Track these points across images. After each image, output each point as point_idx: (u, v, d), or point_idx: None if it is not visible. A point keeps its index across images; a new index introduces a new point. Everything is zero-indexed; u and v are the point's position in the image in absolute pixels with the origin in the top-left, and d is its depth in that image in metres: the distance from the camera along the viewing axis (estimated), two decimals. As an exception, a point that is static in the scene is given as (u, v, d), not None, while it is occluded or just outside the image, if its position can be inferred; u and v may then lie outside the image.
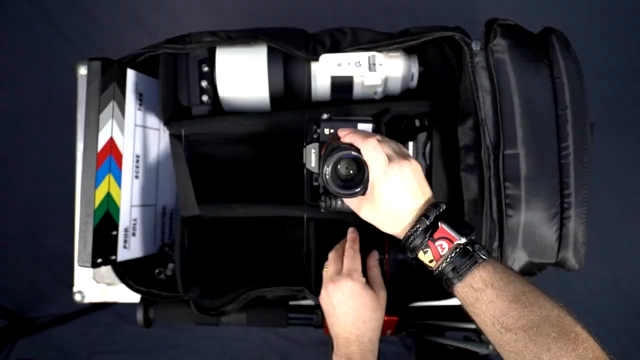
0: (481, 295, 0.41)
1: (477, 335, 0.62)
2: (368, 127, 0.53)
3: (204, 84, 0.59)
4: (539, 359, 0.36)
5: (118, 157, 0.58)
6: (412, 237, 0.45)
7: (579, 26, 1.33)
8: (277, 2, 1.38)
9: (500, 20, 0.55)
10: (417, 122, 0.59)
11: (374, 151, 0.46)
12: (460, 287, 0.42)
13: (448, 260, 0.43)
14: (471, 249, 0.42)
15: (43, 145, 1.36)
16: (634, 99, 1.36)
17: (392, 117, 0.59)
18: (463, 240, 0.43)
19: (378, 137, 0.48)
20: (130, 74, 0.59)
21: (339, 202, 0.55)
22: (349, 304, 0.52)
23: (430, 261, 0.44)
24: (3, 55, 1.39)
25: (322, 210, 0.56)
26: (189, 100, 0.59)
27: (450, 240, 0.43)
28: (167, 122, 0.60)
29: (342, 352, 0.51)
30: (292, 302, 0.64)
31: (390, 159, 0.46)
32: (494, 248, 0.53)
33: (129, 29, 1.37)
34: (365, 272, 0.55)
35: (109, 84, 0.56)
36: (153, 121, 0.64)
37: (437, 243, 0.43)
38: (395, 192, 0.45)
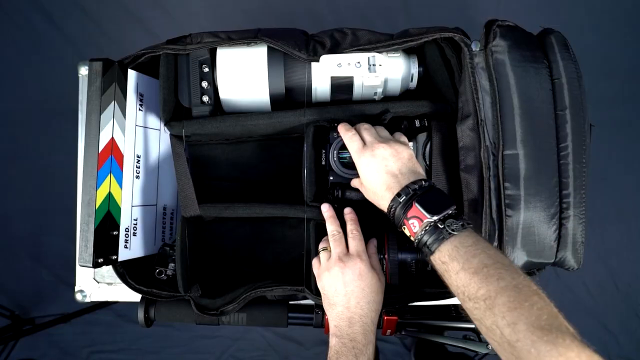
0: (448, 267, 0.45)
1: (477, 334, 0.62)
2: None
3: (205, 84, 0.59)
4: (496, 325, 0.39)
5: (119, 157, 0.58)
6: (390, 213, 0.50)
7: (578, 27, 1.33)
8: (277, 2, 1.38)
9: (499, 21, 0.55)
10: (417, 123, 0.59)
11: (348, 139, 0.55)
12: (432, 260, 0.47)
13: (419, 237, 0.47)
14: (442, 225, 0.46)
15: (44, 146, 1.37)
16: (633, 99, 1.36)
17: (392, 117, 0.59)
18: (434, 218, 0.46)
19: (365, 125, 0.56)
20: (131, 75, 0.59)
21: (347, 193, 0.59)
22: (356, 283, 0.53)
23: (409, 237, 0.49)
24: (3, 55, 1.39)
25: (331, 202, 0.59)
26: (190, 101, 0.60)
27: (420, 219, 0.47)
28: (167, 122, 0.60)
29: (345, 332, 0.51)
30: (292, 302, 0.64)
31: (367, 144, 0.53)
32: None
33: (129, 29, 1.37)
34: None
35: (110, 84, 0.56)
36: (154, 121, 0.65)
37: (410, 221, 0.48)
38: (369, 172, 0.52)
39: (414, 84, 0.62)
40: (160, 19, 1.37)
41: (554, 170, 0.53)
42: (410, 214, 0.48)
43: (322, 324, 0.61)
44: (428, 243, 0.46)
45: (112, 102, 0.57)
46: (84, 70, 0.72)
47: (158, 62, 0.59)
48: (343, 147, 0.58)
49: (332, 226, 0.58)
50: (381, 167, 0.51)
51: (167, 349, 1.37)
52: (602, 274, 1.34)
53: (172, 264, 0.63)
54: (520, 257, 0.53)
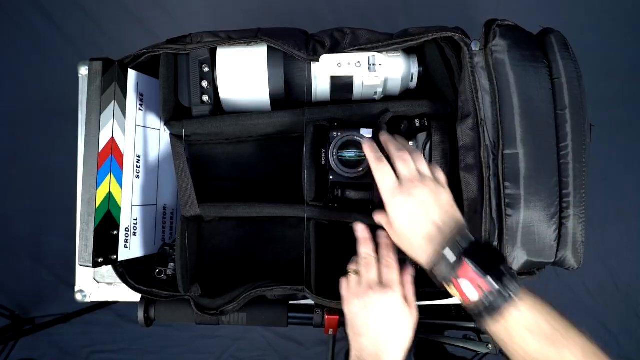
0: (512, 335, 0.40)
1: (477, 334, 0.62)
2: (369, 131, 0.57)
3: (205, 84, 0.59)
4: None
5: (119, 157, 0.58)
6: (434, 271, 0.43)
7: (578, 27, 1.33)
8: (277, 2, 1.38)
9: (499, 20, 0.55)
10: (417, 122, 0.59)
11: (379, 173, 0.47)
12: (492, 327, 0.41)
13: (474, 301, 0.41)
14: (499, 286, 0.40)
15: (44, 146, 1.37)
16: (633, 99, 1.36)
17: (392, 117, 0.59)
18: (490, 282, 0.40)
19: (400, 152, 0.48)
20: (131, 75, 0.59)
21: (347, 192, 0.58)
22: (387, 320, 0.47)
23: (458, 297, 0.43)
24: (3, 55, 1.39)
25: (329, 203, 0.59)
26: (190, 101, 0.60)
27: (475, 282, 0.41)
28: (167, 122, 0.60)
29: None
30: (292, 302, 0.64)
31: (402, 181, 0.46)
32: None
33: (129, 29, 1.37)
34: None
35: (110, 84, 0.56)
36: (154, 121, 0.65)
37: (460, 282, 0.41)
38: (404, 218, 0.45)
39: (414, 83, 0.62)
40: (160, 19, 1.37)
41: (554, 169, 0.53)
42: (461, 274, 0.41)
43: (322, 324, 0.61)
44: (487, 308, 0.40)
45: (112, 102, 0.57)
46: (83, 70, 0.72)
47: (158, 62, 0.59)
48: (343, 147, 0.58)
49: (365, 249, 0.52)
50: (420, 213, 0.44)
51: (167, 349, 1.37)
52: (602, 274, 1.34)
53: (172, 264, 0.63)
54: (520, 256, 0.53)
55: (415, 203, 0.44)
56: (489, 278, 0.40)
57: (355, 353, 0.48)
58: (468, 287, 0.41)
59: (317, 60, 0.58)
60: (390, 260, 0.51)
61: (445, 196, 0.47)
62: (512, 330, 0.40)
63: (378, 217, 0.51)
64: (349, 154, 0.58)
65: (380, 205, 0.50)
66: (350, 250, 0.58)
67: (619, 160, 1.34)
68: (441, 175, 0.50)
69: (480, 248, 0.43)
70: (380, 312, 0.47)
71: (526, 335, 0.39)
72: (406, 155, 0.48)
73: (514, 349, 0.40)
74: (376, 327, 0.47)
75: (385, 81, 0.60)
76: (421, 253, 0.44)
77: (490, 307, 0.40)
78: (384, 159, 0.49)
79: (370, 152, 0.50)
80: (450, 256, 0.42)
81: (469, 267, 0.41)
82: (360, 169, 0.57)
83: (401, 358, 0.48)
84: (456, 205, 0.47)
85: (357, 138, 0.58)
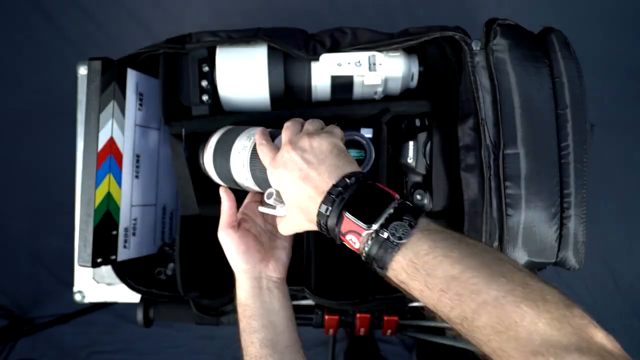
0: (409, 287, 0.35)
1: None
2: (369, 131, 0.57)
3: (204, 83, 0.59)
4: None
5: (118, 156, 0.58)
6: (323, 230, 0.40)
7: (579, 26, 1.33)
8: (277, 2, 1.38)
9: (500, 20, 0.55)
10: (418, 122, 0.59)
11: (260, 153, 0.45)
12: (390, 279, 0.37)
13: (364, 255, 0.38)
14: (385, 234, 0.36)
15: (43, 145, 1.37)
16: (634, 99, 1.36)
17: (392, 117, 0.59)
18: (371, 230, 0.36)
19: (288, 123, 0.45)
20: (131, 74, 0.59)
21: None
22: (328, 140, 0.42)
23: (353, 250, 0.39)
24: (3, 55, 1.39)
25: None
26: (189, 100, 0.59)
27: (358, 233, 0.37)
28: (167, 121, 0.60)
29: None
30: (292, 302, 0.64)
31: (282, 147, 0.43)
32: (494, 248, 0.53)
33: (129, 29, 1.37)
34: None
35: (109, 83, 0.56)
36: (153, 121, 0.64)
37: (347, 237, 0.38)
38: (283, 188, 0.42)
39: (414, 83, 0.62)
40: (160, 19, 1.37)
41: (555, 169, 0.53)
42: (344, 228, 0.38)
43: (322, 324, 0.61)
44: (376, 261, 0.37)
45: (112, 102, 0.56)
46: (83, 70, 0.72)
47: (158, 62, 0.59)
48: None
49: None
50: (294, 174, 0.40)
51: (167, 349, 1.37)
52: (603, 274, 1.34)
53: (172, 264, 0.63)
54: (521, 256, 0.53)
55: (289, 165, 0.41)
56: (372, 227, 0.36)
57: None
58: (354, 240, 0.38)
59: (317, 60, 0.57)
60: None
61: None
62: (405, 283, 0.35)
63: (280, 224, 0.47)
64: (350, 153, 0.58)
65: None
66: (350, 250, 0.58)
67: (620, 160, 1.33)
68: (332, 127, 0.46)
69: (363, 193, 0.38)
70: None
71: (419, 288, 0.34)
72: (292, 123, 0.45)
73: (416, 297, 0.36)
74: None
75: (386, 81, 0.60)
76: (310, 215, 0.40)
77: (379, 257, 0.36)
78: (264, 141, 0.46)
79: (257, 135, 0.47)
80: (330, 211, 0.38)
81: (349, 220, 0.37)
82: (361, 168, 0.57)
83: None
84: (344, 150, 0.43)
85: (358, 138, 0.58)
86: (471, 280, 0.32)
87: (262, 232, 0.54)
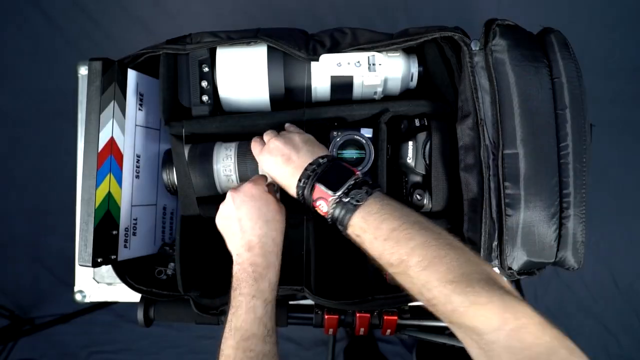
0: (362, 239, 0.45)
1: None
2: (369, 131, 0.58)
3: (204, 84, 0.59)
4: (416, 288, 0.40)
5: (119, 156, 0.58)
6: (300, 200, 0.50)
7: (578, 26, 1.33)
8: (277, 2, 1.38)
9: (499, 20, 0.55)
10: (417, 122, 0.59)
11: (252, 148, 0.56)
12: (349, 236, 0.46)
13: (329, 216, 0.47)
14: (347, 199, 0.46)
15: (44, 145, 1.37)
16: (634, 99, 1.36)
17: (392, 117, 0.59)
18: (337, 194, 0.46)
19: (268, 131, 0.56)
20: (131, 74, 0.59)
21: None
22: (251, 203, 0.51)
23: (323, 215, 0.48)
24: (3, 55, 1.39)
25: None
26: (190, 101, 0.60)
27: (325, 199, 0.47)
28: (167, 122, 0.60)
29: (244, 258, 0.50)
30: (291, 302, 0.64)
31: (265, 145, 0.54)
32: (493, 247, 0.53)
33: (129, 29, 1.37)
34: None
35: (109, 84, 0.56)
36: (153, 121, 0.65)
37: (317, 203, 0.48)
38: (270, 169, 0.52)
39: (414, 83, 0.62)
40: (160, 19, 1.37)
41: (554, 169, 0.53)
42: (315, 195, 0.48)
43: (322, 323, 0.61)
44: (338, 220, 0.46)
45: (112, 102, 0.57)
46: (83, 70, 0.72)
47: (158, 62, 0.59)
48: (343, 146, 0.58)
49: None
50: (278, 158, 0.51)
51: (167, 349, 1.37)
52: (602, 274, 1.34)
53: (172, 264, 0.63)
54: (520, 256, 0.53)
55: (273, 152, 0.52)
56: (337, 193, 0.46)
57: (237, 253, 0.52)
58: (322, 204, 0.47)
59: (317, 60, 0.57)
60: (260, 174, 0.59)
61: (298, 137, 0.53)
62: (358, 235, 0.45)
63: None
64: (349, 153, 0.58)
65: None
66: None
67: (620, 160, 1.33)
68: (298, 130, 0.57)
69: (332, 170, 0.49)
70: (242, 199, 0.52)
71: (369, 238, 0.44)
72: (271, 131, 0.56)
73: (367, 250, 0.45)
74: (242, 214, 0.52)
75: (385, 81, 0.60)
76: (291, 189, 0.51)
77: (341, 218, 0.46)
78: (257, 138, 0.57)
79: (252, 142, 0.57)
80: (305, 183, 0.48)
81: (319, 189, 0.47)
82: (361, 167, 0.57)
83: (278, 237, 0.53)
84: (316, 142, 0.53)
85: (358, 138, 0.58)
86: (407, 230, 0.42)
87: None
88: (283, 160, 0.51)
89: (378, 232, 0.43)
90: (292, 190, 0.51)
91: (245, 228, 0.51)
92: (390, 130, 0.59)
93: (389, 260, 0.42)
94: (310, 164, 0.49)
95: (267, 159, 0.52)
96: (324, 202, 0.47)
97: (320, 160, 0.50)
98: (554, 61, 0.54)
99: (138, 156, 0.62)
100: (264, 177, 0.57)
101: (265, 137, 0.55)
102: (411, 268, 0.40)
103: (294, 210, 0.60)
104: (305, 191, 0.49)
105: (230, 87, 0.60)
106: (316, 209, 0.49)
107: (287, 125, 0.58)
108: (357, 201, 0.45)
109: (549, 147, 0.53)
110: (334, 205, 0.46)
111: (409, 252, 0.41)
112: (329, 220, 0.48)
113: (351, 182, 0.47)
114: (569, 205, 0.52)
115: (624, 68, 1.36)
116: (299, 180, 0.49)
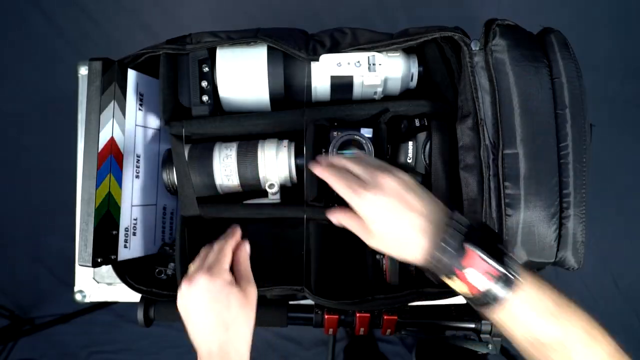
0: (520, 318, 0.38)
1: (477, 334, 0.62)
2: (369, 131, 0.58)
3: (204, 84, 0.59)
4: None
5: (119, 157, 0.58)
6: (434, 266, 0.38)
7: (578, 26, 1.33)
8: (277, 2, 1.38)
9: (499, 20, 0.55)
10: (417, 122, 0.59)
11: (332, 179, 0.42)
12: (497, 313, 0.38)
13: (482, 292, 0.37)
14: (505, 270, 0.37)
15: (44, 145, 1.37)
16: (634, 99, 1.36)
17: (392, 117, 0.59)
18: (496, 267, 0.37)
19: (339, 157, 0.44)
20: (131, 74, 0.59)
21: None
22: (208, 306, 0.43)
23: (463, 292, 0.39)
24: (3, 55, 1.39)
25: (330, 203, 0.58)
26: (190, 101, 0.60)
27: (482, 268, 0.37)
28: (167, 122, 0.60)
29: None
30: (292, 302, 0.64)
31: (363, 177, 0.41)
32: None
33: (129, 29, 1.37)
34: (233, 268, 0.49)
35: (109, 84, 0.56)
36: (153, 121, 0.65)
37: (466, 272, 0.37)
38: (382, 215, 0.39)
39: (414, 83, 0.62)
40: (160, 19, 1.37)
41: (554, 169, 0.53)
42: (466, 263, 0.37)
43: (321, 323, 0.61)
44: (495, 296, 0.37)
45: (112, 102, 0.57)
46: (83, 70, 0.72)
47: (158, 62, 0.59)
48: (343, 146, 0.58)
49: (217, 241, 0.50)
50: (400, 206, 0.39)
51: (167, 349, 1.37)
52: (602, 274, 1.34)
53: (172, 264, 0.63)
54: (520, 256, 0.53)
55: (390, 195, 0.39)
56: (495, 262, 0.37)
57: (199, 355, 0.44)
58: (475, 276, 0.37)
59: (317, 60, 0.58)
60: (219, 245, 0.48)
61: (411, 179, 0.42)
62: (518, 312, 0.38)
63: (342, 219, 0.43)
64: (349, 153, 0.58)
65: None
66: (349, 250, 0.58)
67: (619, 160, 1.33)
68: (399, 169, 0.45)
69: (477, 230, 0.39)
70: (198, 299, 0.44)
71: (531, 316, 0.38)
72: (357, 157, 0.45)
73: (520, 332, 0.38)
74: (198, 318, 0.45)
75: (385, 81, 0.60)
76: (415, 250, 0.39)
77: (498, 293, 0.37)
78: (329, 166, 0.44)
79: (316, 168, 0.45)
80: (452, 245, 0.37)
81: (474, 254, 0.37)
82: None
83: (243, 345, 0.44)
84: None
85: (358, 138, 0.58)
86: (565, 308, 0.39)
87: None
88: (409, 207, 0.39)
89: (542, 307, 0.38)
90: (415, 251, 0.39)
91: (204, 333, 0.43)
92: (390, 130, 0.59)
93: (549, 337, 0.38)
94: (452, 219, 0.39)
95: (375, 200, 0.39)
96: (478, 272, 0.37)
97: (459, 215, 0.40)
98: (554, 61, 0.54)
99: (138, 156, 0.62)
100: (228, 254, 0.48)
101: (351, 165, 0.42)
102: (572, 351, 0.38)
103: (294, 209, 0.61)
104: (448, 256, 0.38)
105: (230, 87, 0.60)
106: (456, 280, 0.38)
107: (358, 154, 0.47)
108: (517, 273, 0.37)
109: (549, 147, 0.53)
110: (496, 279, 0.37)
111: (569, 332, 0.38)
112: (475, 296, 0.38)
113: (500, 247, 0.38)
114: (569, 205, 0.52)
115: (624, 68, 1.36)
116: (443, 238, 0.38)
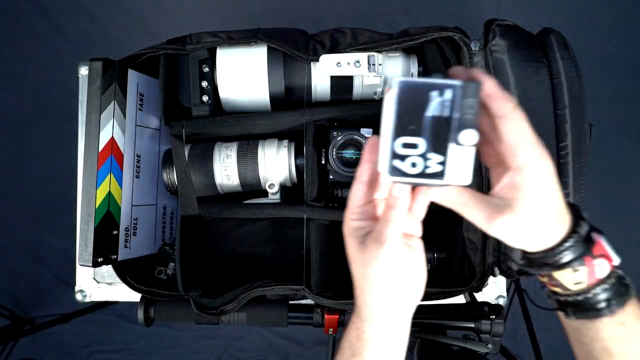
0: (631, 334, 0.34)
1: (477, 334, 0.62)
2: (369, 131, 0.57)
3: (205, 84, 0.59)
4: None
5: (119, 157, 0.58)
6: (564, 251, 0.34)
7: (578, 26, 1.33)
8: (277, 2, 1.38)
9: (499, 20, 0.55)
10: (417, 122, 0.59)
11: (516, 118, 0.34)
12: (607, 323, 0.34)
13: (606, 286, 0.34)
14: (622, 272, 0.34)
15: (44, 145, 1.37)
16: (634, 99, 1.36)
17: (392, 117, 0.59)
18: (619, 261, 0.34)
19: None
20: (131, 75, 0.59)
21: (347, 191, 0.56)
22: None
23: (577, 283, 0.34)
24: (3, 55, 1.39)
25: (329, 203, 0.58)
26: (190, 101, 0.60)
27: (609, 260, 0.34)
28: (167, 122, 0.60)
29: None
30: (292, 302, 0.64)
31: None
32: (493, 247, 0.53)
33: (129, 29, 1.37)
34: None
35: (110, 84, 0.56)
36: (154, 121, 0.65)
37: (595, 261, 0.34)
38: (549, 188, 0.33)
39: (413, 83, 0.62)
40: (160, 19, 1.37)
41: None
42: (596, 251, 0.34)
43: (322, 323, 0.61)
44: (612, 298, 0.34)
45: (112, 102, 0.57)
46: (84, 70, 0.72)
47: (158, 62, 0.59)
48: (343, 146, 0.58)
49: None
50: (556, 183, 0.34)
51: (167, 349, 1.37)
52: (602, 274, 1.34)
53: (172, 264, 0.63)
54: (519, 256, 0.53)
55: (554, 172, 0.33)
56: (619, 258, 0.34)
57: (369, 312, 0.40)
58: (603, 266, 0.34)
59: (317, 60, 0.58)
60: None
61: None
62: (631, 328, 0.34)
63: (467, 197, 0.35)
64: (349, 153, 0.58)
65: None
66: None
67: (619, 160, 1.33)
68: None
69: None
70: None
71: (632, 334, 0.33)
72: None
73: (630, 350, 0.34)
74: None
75: (385, 81, 0.60)
76: (552, 234, 0.34)
77: (614, 297, 0.34)
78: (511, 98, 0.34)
79: (492, 88, 0.34)
80: (585, 232, 0.34)
81: (602, 243, 0.34)
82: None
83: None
84: None
85: (358, 138, 0.58)
86: None
87: None
88: (558, 191, 0.34)
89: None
90: (551, 236, 0.34)
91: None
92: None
93: None
94: (575, 207, 0.36)
95: (549, 169, 0.33)
96: (607, 264, 0.34)
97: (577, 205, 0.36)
98: (553, 61, 0.54)
99: (138, 156, 0.62)
100: None
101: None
102: None
103: (294, 209, 0.61)
104: (578, 245, 0.34)
105: (231, 87, 0.60)
106: (584, 268, 0.34)
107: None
108: (628, 281, 0.34)
109: (548, 147, 0.52)
110: (616, 276, 0.34)
111: None
112: (591, 291, 0.34)
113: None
114: (569, 205, 0.52)
115: (624, 68, 1.36)
116: (579, 226, 0.34)
